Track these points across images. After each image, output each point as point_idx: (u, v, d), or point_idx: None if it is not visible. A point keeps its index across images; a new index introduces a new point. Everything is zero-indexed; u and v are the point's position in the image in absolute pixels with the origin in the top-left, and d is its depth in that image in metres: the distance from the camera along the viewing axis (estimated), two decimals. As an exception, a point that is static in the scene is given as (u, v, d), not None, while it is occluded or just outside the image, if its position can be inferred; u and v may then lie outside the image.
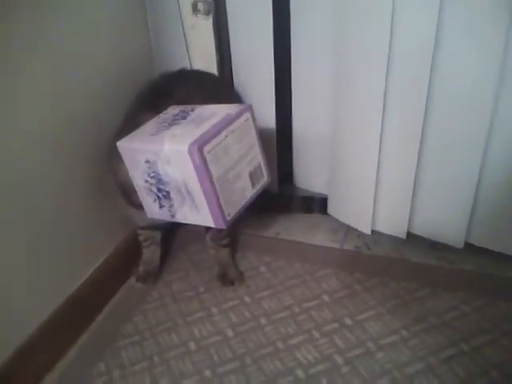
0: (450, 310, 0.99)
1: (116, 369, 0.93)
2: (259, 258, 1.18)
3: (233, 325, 1.00)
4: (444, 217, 1.11)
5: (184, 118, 0.87)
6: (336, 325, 0.98)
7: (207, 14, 1.17)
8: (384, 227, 1.19)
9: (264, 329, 0.99)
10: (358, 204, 1.18)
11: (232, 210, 0.84)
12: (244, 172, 0.86)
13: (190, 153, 0.76)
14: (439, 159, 1.05)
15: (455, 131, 0.99)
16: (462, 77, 0.94)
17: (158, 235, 1.13)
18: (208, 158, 0.77)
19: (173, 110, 0.92)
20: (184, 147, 0.76)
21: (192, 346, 0.96)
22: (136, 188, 0.89)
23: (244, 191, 0.87)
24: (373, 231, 1.20)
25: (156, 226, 1.09)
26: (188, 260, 1.19)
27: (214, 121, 0.82)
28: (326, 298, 1.05)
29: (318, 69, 1.16)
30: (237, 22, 1.17)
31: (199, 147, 0.76)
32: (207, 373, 0.90)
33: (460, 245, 1.11)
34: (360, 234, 1.21)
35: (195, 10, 1.17)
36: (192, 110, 0.90)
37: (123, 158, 0.86)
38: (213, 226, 0.84)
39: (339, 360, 0.90)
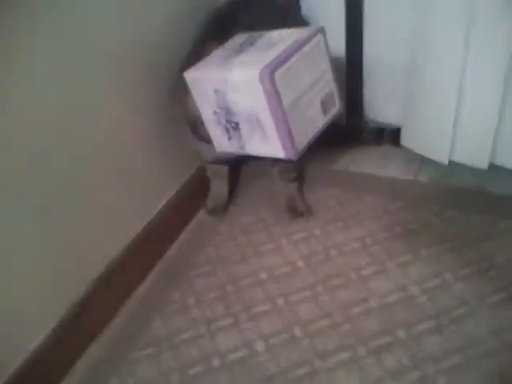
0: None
1: (190, 297, 0.96)
2: (328, 191, 1.15)
3: (303, 256, 1.00)
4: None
5: (252, 44, 0.84)
6: (410, 256, 0.95)
7: None
8: (463, 157, 1.12)
9: (335, 260, 0.97)
10: (435, 134, 1.11)
11: (303, 140, 0.81)
12: (316, 99, 0.83)
13: (261, 78, 0.73)
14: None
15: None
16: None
17: (225, 170, 1.13)
18: (279, 83, 0.74)
19: (240, 37, 0.89)
20: (254, 72, 0.73)
21: (263, 275, 0.97)
22: (204, 120, 0.88)
23: (315, 120, 0.83)
24: (450, 162, 1.13)
25: (223, 160, 1.08)
26: (256, 194, 1.19)
27: (283, 45, 0.78)
28: (399, 229, 1.01)
29: None
30: None
31: (270, 73, 0.73)
32: (279, 301, 0.91)
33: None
34: (435, 165, 1.15)
35: None
36: (260, 36, 0.86)
37: (191, 89, 0.85)
38: (283, 157, 0.82)
39: (415, 290, 0.88)
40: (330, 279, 0.93)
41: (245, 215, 1.13)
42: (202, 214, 1.15)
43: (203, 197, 1.16)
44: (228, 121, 0.85)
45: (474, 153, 1.10)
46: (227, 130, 0.86)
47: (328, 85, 0.85)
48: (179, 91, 0.91)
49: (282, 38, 0.82)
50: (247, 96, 0.78)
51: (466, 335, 0.79)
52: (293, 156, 0.81)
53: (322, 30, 0.82)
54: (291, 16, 1.11)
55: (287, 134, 0.78)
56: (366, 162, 1.23)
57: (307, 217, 1.09)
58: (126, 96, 0.93)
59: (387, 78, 1.20)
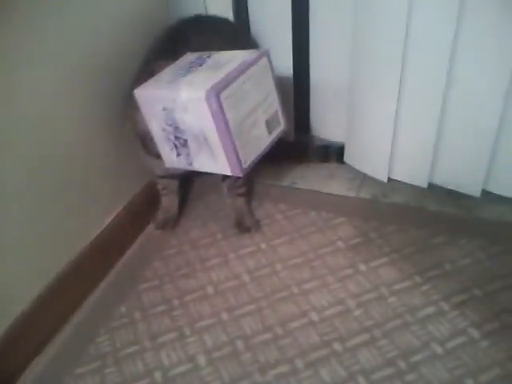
0: (466, 257, 0.99)
1: (137, 311, 0.97)
2: (275, 206, 1.19)
3: (249, 270, 1.03)
4: (463, 166, 1.09)
5: (200, 64, 0.87)
6: (350, 270, 0.99)
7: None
8: (402, 176, 1.18)
9: (279, 274, 1.01)
10: (376, 152, 1.17)
11: (249, 158, 0.84)
12: (261, 119, 0.86)
13: (208, 99, 0.75)
14: (462, 109, 1.02)
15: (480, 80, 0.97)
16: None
17: (175, 184, 1.15)
18: (225, 104, 0.77)
19: (189, 57, 0.91)
20: (201, 94, 0.76)
21: (210, 289, 1.00)
22: (154, 136, 0.90)
23: (261, 139, 0.87)
24: (390, 180, 1.19)
25: (174, 175, 1.10)
26: (205, 208, 1.21)
27: (230, 67, 0.81)
28: (340, 244, 1.06)
29: (337, 14, 1.12)
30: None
31: (216, 94, 0.75)
32: (224, 315, 0.94)
33: (477, 193, 1.10)
34: (377, 183, 1.21)
35: None
36: (208, 57, 0.88)
37: (140, 106, 0.87)
38: (230, 174, 0.85)
39: (352, 304, 0.92)
40: (273, 293, 0.97)
41: (194, 229, 1.15)
42: (150, 229, 1.16)
43: (152, 211, 1.17)
44: (176, 138, 0.86)
45: (413, 172, 1.16)
46: (176, 147, 0.88)
47: (273, 105, 0.88)
48: (129, 107, 0.92)
49: (230, 59, 0.84)
50: (195, 115, 0.80)
51: (399, 347, 0.84)
52: (239, 173, 0.84)
53: (266, 53, 0.85)
54: (241, 37, 1.14)
55: (233, 153, 0.81)
56: (312, 178, 1.28)
57: (255, 231, 1.12)
58: (75, 109, 0.94)
59: (332, 95, 1.25)
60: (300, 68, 1.23)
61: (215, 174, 0.92)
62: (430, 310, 0.90)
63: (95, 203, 1.03)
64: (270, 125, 0.88)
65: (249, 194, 1.18)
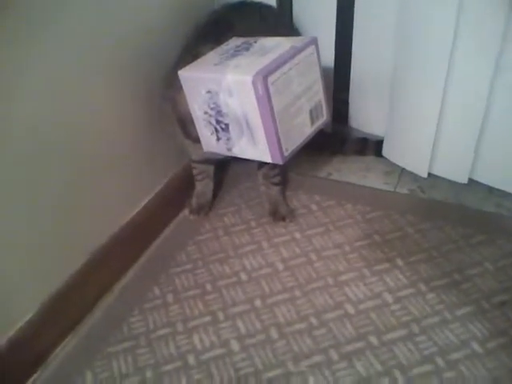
0: (506, 257, 0.97)
1: (170, 293, 0.97)
2: (310, 197, 1.18)
3: (283, 259, 1.02)
4: (505, 162, 1.06)
5: (247, 49, 0.86)
6: (387, 265, 0.98)
7: None
8: (443, 171, 1.15)
9: (314, 264, 1.00)
10: (416, 146, 1.15)
11: (290, 146, 0.83)
12: (305, 108, 0.84)
13: (254, 83, 0.74)
14: (507, 106, 0.99)
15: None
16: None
17: (211, 169, 1.14)
18: (271, 89, 0.76)
19: (235, 41, 0.90)
20: (248, 77, 0.75)
21: (243, 276, 0.99)
22: (194, 120, 0.89)
23: (303, 128, 0.85)
24: (430, 174, 1.17)
25: (210, 160, 1.09)
26: (240, 196, 1.21)
27: (278, 52, 0.80)
28: (377, 238, 1.04)
29: (382, 6, 1.10)
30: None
31: (263, 78, 0.74)
32: (258, 302, 0.93)
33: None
34: (415, 177, 1.18)
35: None
36: (255, 42, 0.87)
37: (184, 87, 0.86)
38: (270, 161, 0.83)
39: (389, 298, 0.91)
40: (307, 283, 0.96)
41: (228, 216, 1.15)
42: (184, 213, 1.16)
43: (187, 195, 1.17)
44: (218, 122, 0.86)
45: (453, 167, 1.14)
46: (216, 131, 0.88)
47: (317, 95, 0.87)
48: (170, 88, 0.92)
49: (277, 45, 0.83)
50: (239, 99, 0.79)
51: (437, 344, 0.82)
52: (279, 161, 0.82)
53: (315, 41, 0.84)
54: (284, 25, 1.13)
55: (275, 140, 0.80)
56: (348, 170, 1.26)
57: (289, 221, 1.11)
58: (113, 90, 0.94)
59: (373, 87, 1.23)
60: (342, 58, 1.21)
61: (250, 162, 0.91)
62: (470, 308, 0.87)
63: (131, 186, 1.03)
64: (313, 114, 0.86)
65: (284, 184, 1.17)
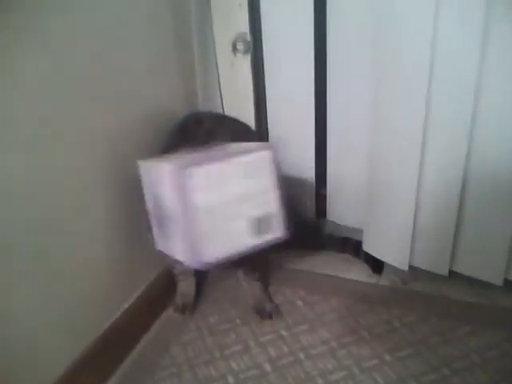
0: (491, 348, 0.97)
1: (154, 401, 0.93)
2: (295, 291, 1.18)
3: (271, 359, 1.00)
4: (483, 254, 1.09)
5: (208, 149, 0.83)
6: (376, 361, 0.97)
7: (246, 52, 1.22)
8: (423, 263, 1.18)
9: (302, 364, 0.98)
10: (395, 240, 1.18)
11: (216, 252, 0.74)
12: (245, 214, 0.76)
13: (171, 172, 0.72)
14: (481, 199, 1.05)
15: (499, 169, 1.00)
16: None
17: (191, 269, 1.14)
18: (192, 182, 0.71)
19: (209, 146, 0.89)
20: (168, 166, 0.72)
21: (230, 379, 0.96)
22: (150, 215, 0.86)
23: (240, 236, 0.76)
24: (411, 267, 1.19)
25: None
26: (223, 293, 1.20)
27: (224, 151, 0.78)
28: (364, 333, 1.04)
29: (354, 128, 1.19)
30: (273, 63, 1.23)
31: (181, 168, 0.70)
32: (246, 407, 0.90)
33: (499, 282, 1.09)
34: (396, 270, 1.21)
35: (234, 49, 1.22)
36: (224, 145, 0.85)
37: (143, 179, 0.84)
38: (183, 261, 0.76)
39: (381, 397, 0.89)
40: (297, 384, 0.93)
41: (212, 315, 1.13)
42: (168, 313, 1.14)
43: (172, 294, 1.15)
44: (158, 215, 0.81)
45: (433, 260, 1.16)
46: (159, 226, 0.83)
47: (267, 205, 0.78)
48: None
49: (237, 147, 0.81)
50: (167, 190, 0.75)
51: None
52: (194, 265, 0.74)
53: (271, 147, 0.78)
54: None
55: (190, 238, 0.72)
56: (331, 264, 1.28)
57: (275, 318, 1.10)
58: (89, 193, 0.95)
59: (350, 186, 1.28)
60: (320, 166, 1.30)
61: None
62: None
63: (113, 288, 1.01)
64: (258, 225, 0.78)
65: (266, 279, 1.17)
